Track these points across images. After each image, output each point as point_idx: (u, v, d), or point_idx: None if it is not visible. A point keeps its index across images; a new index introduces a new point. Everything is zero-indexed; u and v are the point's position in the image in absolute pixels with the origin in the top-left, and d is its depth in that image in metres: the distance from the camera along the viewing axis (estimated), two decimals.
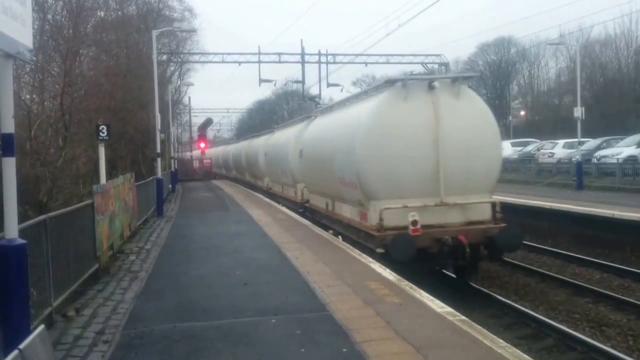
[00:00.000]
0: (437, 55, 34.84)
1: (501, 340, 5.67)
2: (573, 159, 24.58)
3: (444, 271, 11.95)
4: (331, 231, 13.77)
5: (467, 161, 10.72)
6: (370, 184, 10.88)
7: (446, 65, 35.87)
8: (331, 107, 16.93)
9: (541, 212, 17.41)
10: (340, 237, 12.88)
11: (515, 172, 30.14)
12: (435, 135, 10.62)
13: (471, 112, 11.02)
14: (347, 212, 12.90)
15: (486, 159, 10.98)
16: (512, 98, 61.42)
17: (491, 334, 5.88)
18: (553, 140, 31.64)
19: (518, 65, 62.64)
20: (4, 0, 4.47)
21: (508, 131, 52.29)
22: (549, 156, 28.69)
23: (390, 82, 11.38)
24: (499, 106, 63.33)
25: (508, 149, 35.29)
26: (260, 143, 27.89)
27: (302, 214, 17.50)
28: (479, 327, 6.11)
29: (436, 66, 35.78)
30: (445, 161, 10.60)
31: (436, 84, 11.03)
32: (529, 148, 33.23)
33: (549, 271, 12.57)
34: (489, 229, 10.67)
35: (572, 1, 45.48)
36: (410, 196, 10.56)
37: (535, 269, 12.79)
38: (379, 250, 10.28)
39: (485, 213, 11.00)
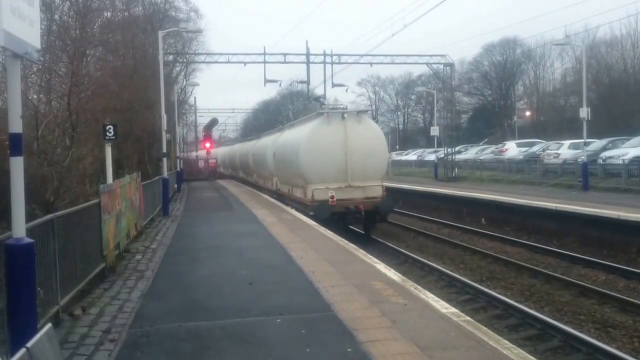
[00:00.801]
0: (442, 56, 34.55)
1: (506, 341, 5.67)
2: (579, 160, 24.47)
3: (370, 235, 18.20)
4: (290, 206, 19.96)
5: (364, 161, 17.61)
6: (307, 174, 17.93)
7: (451, 65, 35.62)
8: (293, 124, 24.85)
9: (546, 213, 17.36)
10: (294, 209, 19.02)
11: (520, 172, 30.04)
12: (345, 146, 17.61)
13: (368, 133, 18.00)
14: (297, 193, 19.84)
15: (377, 160, 18.05)
16: (518, 98, 61.28)
17: (496, 335, 5.88)
18: (559, 141, 31.51)
19: (523, 66, 62.47)
20: (12, 1, 4.48)
21: (513, 132, 52.14)
22: (555, 157, 28.57)
23: (320, 114, 18.81)
24: (504, 107, 63.23)
25: (513, 149, 35.21)
26: (250, 146, 34.83)
27: (276, 198, 23.13)
28: (484, 327, 6.11)
29: (441, 67, 35.59)
30: (351, 161, 17.59)
31: (346, 115, 17.93)
32: (535, 149, 33.11)
33: (555, 272, 12.53)
34: (377, 201, 17.47)
35: (577, 2, 45.31)
36: (330, 181, 17.49)
37: (541, 269, 12.75)
38: (311, 213, 16.88)
39: (377, 192, 17.75)
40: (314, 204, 17.20)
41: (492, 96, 66.11)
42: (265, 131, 37.22)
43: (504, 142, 39.70)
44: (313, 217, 16.21)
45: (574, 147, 28.06)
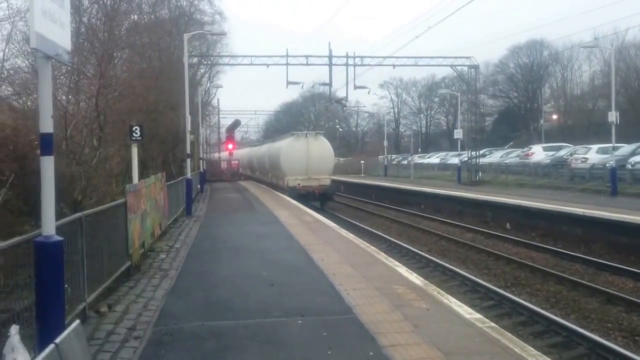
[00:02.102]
0: (467, 58, 34.17)
1: (531, 348, 5.58)
2: (607, 165, 23.95)
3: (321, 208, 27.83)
4: (278, 190, 29.99)
5: (318, 163, 28.68)
6: (285, 170, 29.12)
7: (476, 67, 35.21)
8: (282, 137, 36.18)
9: (573, 219, 17.02)
10: (277, 192, 29.29)
11: (546, 177, 29.53)
12: (307, 154, 28.69)
13: (321, 146, 29.33)
14: (280, 182, 30.80)
15: (326, 163, 29.44)
16: (545, 101, 60.19)
17: (521, 342, 5.79)
18: (586, 145, 30.87)
19: (551, 68, 61.43)
20: (43, 3, 4.56)
21: (540, 135, 51.28)
22: (582, 161, 28.02)
23: (293, 134, 31.26)
24: (531, 109, 62.22)
25: (540, 153, 34.61)
26: (255, 151, 46.95)
27: (270, 187, 33.45)
28: (509, 334, 6.02)
29: (466, 69, 35.20)
30: (310, 163, 28.69)
31: (308, 135, 30.05)
32: (562, 153, 32.51)
33: (581, 279, 12.27)
34: (326, 187, 28.75)
35: (606, 4, 44.39)
36: (298, 175, 28.46)
37: (567, 276, 12.50)
38: (287, 194, 26.65)
39: (326, 182, 28.97)
40: (288, 188, 28.41)
41: (517, 99, 65.15)
42: (270, 138, 50.26)
43: (530, 146, 39.06)
44: (288, 196, 26.50)
45: (602, 151, 27.48)
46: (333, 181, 30.82)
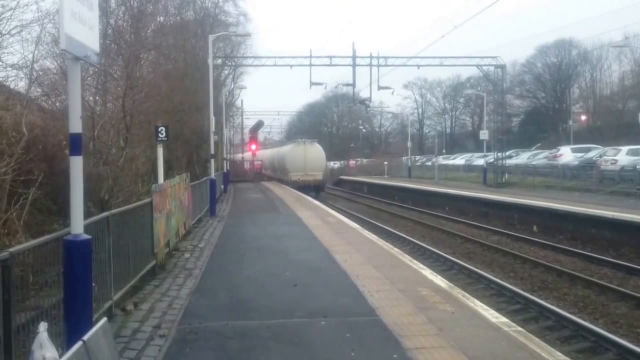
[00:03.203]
0: (493, 58, 33.66)
1: (559, 353, 5.46)
2: (637, 167, 23.34)
3: (314, 195, 34.68)
4: (284, 185, 37.10)
5: (313, 163, 39.66)
6: (289, 168, 39.97)
7: (503, 67, 34.67)
8: (287, 142, 51.26)
9: (602, 222, 16.62)
10: (284, 184, 38.77)
11: (575, 179, 28.92)
12: (305, 156, 39.58)
13: (315, 150, 40.73)
14: (285, 177, 40.83)
15: (319, 163, 40.64)
16: (573, 102, 58.94)
17: (549, 347, 5.67)
18: (616, 147, 30.12)
19: (579, 68, 60.12)
20: (73, 5, 4.62)
21: (568, 136, 50.25)
22: (612, 163, 27.35)
23: (294, 140, 44.13)
24: (559, 110, 60.99)
25: (568, 155, 33.91)
26: (267, 152, 57.02)
27: (280, 182, 41.56)
28: (537, 339, 5.90)
29: (492, 68, 34.68)
30: (307, 163, 39.39)
31: (306, 141, 41.14)
32: (591, 154, 31.79)
33: (610, 283, 11.97)
34: (319, 181, 39.60)
35: (636, 2, 43.26)
36: (298, 172, 39.04)
37: (596, 280, 12.21)
38: (290, 186, 36.99)
39: (320, 177, 40.00)
40: (291, 182, 37.14)
41: (545, 99, 63.95)
42: (289, 140, 59.29)
43: (558, 147, 38.31)
44: (290, 187, 34.67)
45: (632, 153, 26.79)
46: (340, 179, 48.20)
